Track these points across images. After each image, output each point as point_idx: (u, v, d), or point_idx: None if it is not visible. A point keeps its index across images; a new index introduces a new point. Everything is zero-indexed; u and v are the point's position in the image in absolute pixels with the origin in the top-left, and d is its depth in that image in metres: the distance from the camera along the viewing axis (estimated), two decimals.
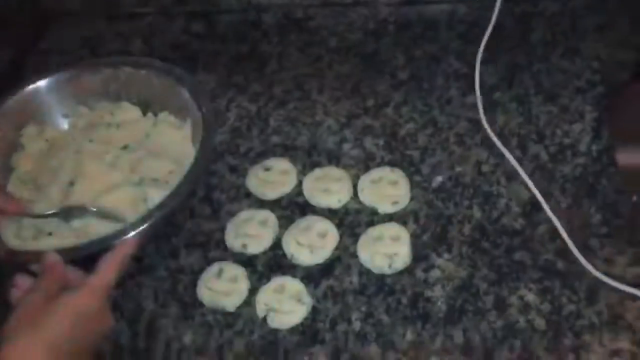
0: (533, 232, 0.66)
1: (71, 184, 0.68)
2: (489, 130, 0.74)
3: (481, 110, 0.77)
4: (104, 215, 0.66)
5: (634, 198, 0.74)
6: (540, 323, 0.60)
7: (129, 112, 0.76)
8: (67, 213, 0.66)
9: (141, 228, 0.62)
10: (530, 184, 0.69)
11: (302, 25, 0.92)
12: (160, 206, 0.64)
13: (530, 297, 0.62)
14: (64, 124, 0.76)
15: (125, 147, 0.72)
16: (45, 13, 0.99)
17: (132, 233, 0.61)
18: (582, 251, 0.64)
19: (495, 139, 0.74)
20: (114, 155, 0.71)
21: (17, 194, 0.70)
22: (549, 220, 0.67)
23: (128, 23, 0.96)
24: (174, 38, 0.93)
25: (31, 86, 0.75)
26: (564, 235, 0.65)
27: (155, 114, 0.76)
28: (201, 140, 0.69)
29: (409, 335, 0.60)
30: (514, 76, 0.81)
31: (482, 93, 0.79)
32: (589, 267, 0.63)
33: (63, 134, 0.75)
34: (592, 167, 0.71)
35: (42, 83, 0.76)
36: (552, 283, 0.62)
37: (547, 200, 0.68)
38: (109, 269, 0.56)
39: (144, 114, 0.76)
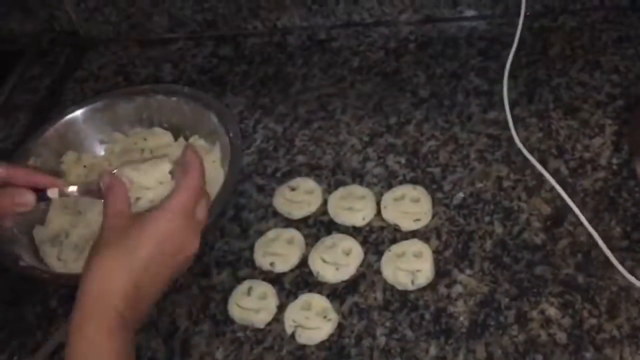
0: (554, 246, 0.68)
1: None
2: (520, 146, 0.76)
3: (512, 125, 0.78)
4: None
5: None
6: (561, 337, 0.61)
7: (162, 137, 0.80)
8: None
9: None
10: (561, 191, 0.71)
11: (325, 46, 0.94)
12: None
13: (552, 311, 0.63)
14: (101, 150, 0.80)
15: None
16: (81, 41, 1.04)
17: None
18: (603, 265, 0.65)
19: (527, 153, 0.75)
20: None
21: (58, 220, 0.74)
22: (570, 235, 0.68)
23: (159, 48, 1.01)
24: (203, 62, 0.97)
25: (69, 115, 0.79)
26: (585, 249, 0.66)
27: (186, 139, 0.80)
28: (229, 163, 0.72)
29: (432, 350, 0.62)
30: (534, 91, 0.82)
31: (502, 109, 0.80)
32: (609, 280, 0.64)
33: (100, 160, 0.79)
34: (612, 181, 0.72)
35: (79, 112, 0.80)
36: (573, 297, 0.64)
37: (568, 215, 0.69)
38: (189, 185, 0.56)
39: (176, 139, 0.80)
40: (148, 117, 0.81)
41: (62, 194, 0.63)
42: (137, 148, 0.78)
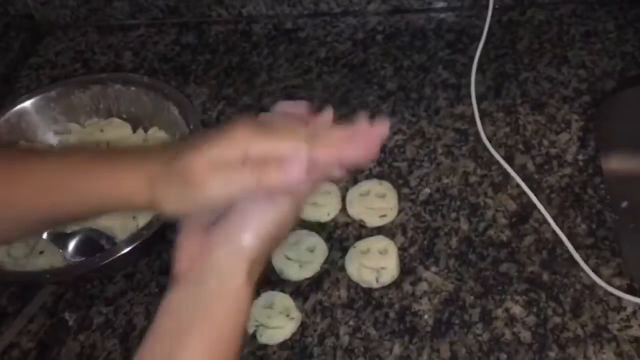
0: (519, 243, 0.67)
1: None
2: (487, 143, 0.75)
3: (479, 121, 0.77)
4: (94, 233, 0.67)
5: (624, 204, 0.75)
6: (525, 336, 0.61)
7: (119, 128, 0.77)
8: (58, 238, 0.67)
9: (132, 246, 0.63)
10: (526, 188, 0.70)
11: (292, 36, 0.92)
12: (150, 224, 0.65)
13: (517, 309, 0.62)
14: (55, 142, 0.77)
15: None
16: (37, 26, 0.99)
17: None
18: (567, 263, 0.65)
19: (493, 150, 0.74)
20: None
21: None
22: (536, 232, 0.67)
23: (119, 35, 0.97)
24: (165, 50, 0.94)
25: (21, 104, 0.76)
26: (550, 246, 0.66)
27: (146, 130, 0.77)
28: None
29: (396, 350, 0.61)
30: (502, 85, 0.82)
31: (470, 103, 0.79)
32: (574, 278, 0.63)
33: None
34: (578, 177, 0.71)
35: (32, 101, 0.77)
36: (537, 295, 0.63)
37: (533, 212, 0.69)
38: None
39: (134, 130, 0.77)
40: (105, 108, 0.78)
41: None
42: (94, 140, 0.75)
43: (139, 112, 0.77)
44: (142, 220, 0.67)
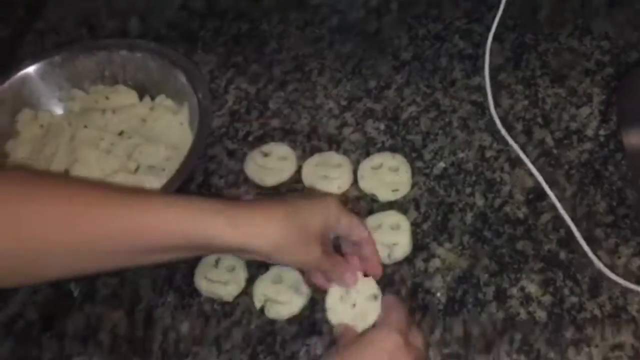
0: (536, 221, 0.65)
1: (66, 171, 0.68)
2: (496, 118, 0.72)
3: (490, 94, 0.75)
4: None
5: None
6: (541, 315, 0.59)
7: (125, 96, 0.75)
8: None
9: None
10: (535, 171, 0.68)
11: (303, 3, 0.89)
12: None
13: (532, 288, 0.61)
14: (59, 109, 0.75)
15: (121, 133, 0.71)
16: None
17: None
18: (586, 241, 0.63)
19: (501, 127, 0.71)
20: (110, 141, 0.70)
21: None
22: (553, 209, 0.65)
23: (125, 0, 0.94)
24: (173, 16, 0.91)
25: (24, 70, 0.74)
26: (568, 224, 0.64)
27: (152, 98, 0.75)
28: (198, 125, 0.68)
29: None
30: (521, 57, 0.79)
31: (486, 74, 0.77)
32: (592, 258, 0.61)
33: (58, 120, 0.74)
34: (598, 153, 0.69)
35: (35, 66, 0.74)
36: (554, 274, 0.61)
37: (552, 188, 0.67)
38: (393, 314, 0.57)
39: (141, 98, 0.75)
40: (111, 74, 0.75)
41: None
42: (99, 107, 0.73)
43: (146, 80, 0.74)
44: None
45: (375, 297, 0.60)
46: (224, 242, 0.50)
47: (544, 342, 0.57)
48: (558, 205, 0.65)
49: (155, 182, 0.66)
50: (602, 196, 0.66)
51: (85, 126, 0.71)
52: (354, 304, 0.60)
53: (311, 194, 0.58)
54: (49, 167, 0.68)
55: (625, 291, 0.59)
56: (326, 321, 0.60)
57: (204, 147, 0.74)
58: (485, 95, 0.75)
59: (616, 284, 0.60)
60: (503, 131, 0.71)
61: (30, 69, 0.74)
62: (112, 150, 0.69)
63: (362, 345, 0.53)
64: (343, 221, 0.57)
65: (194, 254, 0.57)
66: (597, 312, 0.58)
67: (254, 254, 0.53)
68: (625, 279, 0.60)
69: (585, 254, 0.62)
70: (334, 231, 0.57)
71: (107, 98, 0.74)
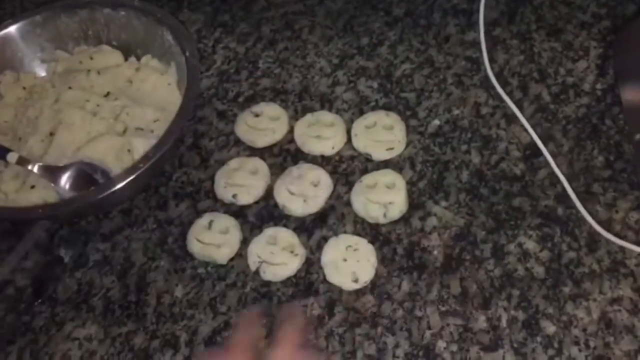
0: (533, 177, 0.64)
1: (51, 134, 0.65)
2: (491, 76, 0.71)
3: (484, 49, 0.73)
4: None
5: (637, 136, 0.72)
6: (539, 271, 0.58)
7: (110, 56, 0.72)
8: (49, 171, 0.63)
9: (128, 180, 0.60)
10: (530, 127, 0.67)
11: None
12: (146, 157, 0.61)
13: (530, 244, 0.60)
14: (42, 70, 0.73)
15: (107, 95, 0.69)
16: None
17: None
18: (583, 196, 0.62)
19: (497, 85, 0.70)
20: (96, 103, 0.67)
21: None
22: (550, 164, 0.64)
23: None
24: None
25: (4, 30, 0.71)
26: (565, 180, 0.63)
27: (138, 58, 0.72)
28: (186, 86, 0.66)
29: (405, 286, 0.59)
30: (516, 10, 0.77)
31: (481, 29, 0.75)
32: (589, 214, 0.61)
33: (41, 82, 0.71)
34: (595, 108, 0.68)
35: (16, 26, 0.71)
36: (552, 230, 0.61)
37: (549, 144, 0.66)
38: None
39: (126, 58, 0.73)
40: (94, 34, 0.73)
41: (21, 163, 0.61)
42: (83, 68, 0.71)
43: (130, 39, 0.72)
44: (138, 153, 0.64)
45: (369, 260, 0.60)
46: None
47: (541, 298, 0.57)
48: (554, 161, 0.64)
49: (143, 144, 0.64)
50: (600, 151, 0.65)
51: (70, 87, 0.69)
52: (345, 259, 0.59)
53: None
54: (33, 131, 0.66)
55: (623, 245, 0.59)
56: (323, 281, 0.60)
57: (193, 108, 0.72)
58: (480, 50, 0.74)
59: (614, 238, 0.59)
60: (498, 87, 0.70)
61: (11, 29, 0.71)
62: (98, 112, 0.67)
63: None
64: None
65: None
66: (595, 266, 0.58)
67: None
68: (622, 233, 0.59)
69: (582, 210, 0.61)
70: None
71: (91, 59, 0.71)
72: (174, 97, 0.69)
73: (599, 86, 0.69)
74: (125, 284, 0.62)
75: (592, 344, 0.54)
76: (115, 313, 0.61)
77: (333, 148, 0.68)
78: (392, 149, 0.67)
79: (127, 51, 0.73)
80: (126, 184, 0.59)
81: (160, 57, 0.71)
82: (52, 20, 0.72)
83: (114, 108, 0.67)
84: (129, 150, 0.64)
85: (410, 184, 0.65)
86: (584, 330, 0.55)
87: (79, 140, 0.65)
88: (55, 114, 0.66)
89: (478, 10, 0.76)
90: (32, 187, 0.64)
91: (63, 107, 0.67)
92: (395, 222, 0.63)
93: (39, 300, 0.62)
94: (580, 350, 0.54)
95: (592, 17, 0.75)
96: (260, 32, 0.80)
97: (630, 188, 0.62)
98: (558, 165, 0.64)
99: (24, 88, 0.70)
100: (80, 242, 0.65)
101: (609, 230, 0.59)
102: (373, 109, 0.71)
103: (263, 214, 0.65)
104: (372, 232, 0.62)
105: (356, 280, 0.59)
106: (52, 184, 0.63)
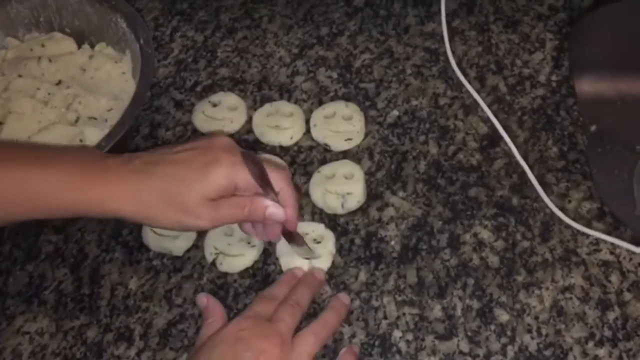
0: (490, 167, 0.65)
1: (1, 123, 0.64)
2: (453, 64, 0.71)
3: (447, 41, 0.73)
4: None
5: (592, 128, 0.73)
6: (493, 260, 0.59)
7: (62, 43, 0.70)
8: None
9: None
10: (492, 116, 0.67)
11: None
12: (99, 147, 0.60)
13: (485, 234, 0.61)
14: None
15: (59, 83, 0.67)
16: None
17: None
18: (538, 186, 0.63)
19: (460, 74, 0.70)
20: (47, 91, 0.66)
21: None
22: (507, 155, 0.65)
23: None
24: None
25: None
26: (520, 170, 0.64)
27: (92, 46, 0.71)
28: (140, 74, 0.64)
29: (362, 276, 0.59)
30: (475, 1, 0.77)
31: (441, 21, 0.75)
32: (543, 203, 0.62)
33: None
34: (551, 99, 0.69)
35: None
36: (506, 220, 0.61)
37: (505, 134, 0.66)
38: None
39: (79, 45, 0.71)
40: (46, 20, 0.71)
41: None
42: (34, 56, 0.69)
43: (83, 26, 0.70)
44: (91, 143, 0.62)
45: (322, 239, 0.60)
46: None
47: (496, 287, 0.58)
48: (510, 151, 0.65)
49: (97, 133, 0.62)
50: (554, 141, 0.66)
51: (20, 75, 0.66)
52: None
53: (206, 150, 0.52)
54: None
55: (575, 234, 0.60)
56: (280, 272, 0.59)
57: (149, 97, 0.71)
58: (439, 41, 0.74)
59: (567, 227, 0.60)
60: (462, 77, 0.70)
61: None
62: (50, 100, 0.65)
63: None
64: (240, 181, 0.52)
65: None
66: (548, 255, 0.59)
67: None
68: (575, 222, 0.60)
69: (537, 199, 0.62)
70: (235, 189, 0.53)
71: (42, 46, 0.69)
72: (128, 86, 0.67)
73: (554, 78, 0.70)
74: (78, 277, 0.61)
75: (544, 331, 0.55)
76: (68, 306, 0.59)
77: (292, 138, 0.67)
78: (350, 139, 0.67)
79: (81, 38, 0.71)
80: None
81: (115, 45, 0.70)
82: (2, 6, 0.69)
83: (66, 97, 0.66)
84: (81, 140, 0.63)
85: (369, 174, 0.65)
86: (536, 318, 0.56)
87: (29, 129, 0.64)
88: (4, 102, 0.64)
89: (438, 1, 0.76)
90: None
91: (13, 96, 0.65)
92: (353, 213, 0.63)
93: None
94: (532, 338, 0.55)
95: (548, 10, 0.76)
96: (219, 21, 0.79)
97: (583, 178, 0.63)
98: (515, 155, 0.65)
99: None
100: (32, 234, 0.63)
101: (561, 220, 0.60)
102: (332, 99, 0.70)
103: None
104: (330, 222, 0.62)
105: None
106: None
